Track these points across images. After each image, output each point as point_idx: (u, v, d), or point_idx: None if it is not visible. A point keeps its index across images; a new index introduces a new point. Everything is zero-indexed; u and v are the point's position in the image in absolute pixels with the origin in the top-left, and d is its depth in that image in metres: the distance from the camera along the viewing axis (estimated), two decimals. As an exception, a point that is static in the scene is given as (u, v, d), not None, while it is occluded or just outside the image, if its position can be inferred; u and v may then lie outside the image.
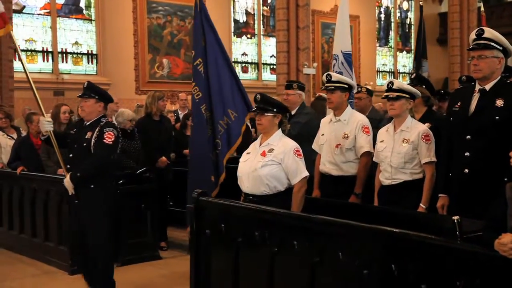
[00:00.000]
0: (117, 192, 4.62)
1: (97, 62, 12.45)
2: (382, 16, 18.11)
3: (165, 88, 11.36)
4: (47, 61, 11.83)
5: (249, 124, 5.98)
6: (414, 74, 5.66)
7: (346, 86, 4.45)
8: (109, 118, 6.24)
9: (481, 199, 3.11)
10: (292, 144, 3.77)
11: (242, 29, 14.96)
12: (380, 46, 18.03)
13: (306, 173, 3.74)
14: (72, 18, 12.19)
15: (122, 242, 5.40)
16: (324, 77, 4.61)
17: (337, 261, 2.82)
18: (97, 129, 4.24)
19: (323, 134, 4.54)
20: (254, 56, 15.19)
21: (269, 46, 15.23)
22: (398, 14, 18.50)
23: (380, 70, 18.04)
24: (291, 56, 12.31)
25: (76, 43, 12.23)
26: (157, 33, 12.97)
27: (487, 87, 3.35)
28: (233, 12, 14.70)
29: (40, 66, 11.69)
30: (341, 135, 4.38)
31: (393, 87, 3.88)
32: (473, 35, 3.37)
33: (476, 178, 3.30)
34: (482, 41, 3.30)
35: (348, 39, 5.42)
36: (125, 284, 4.83)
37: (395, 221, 2.96)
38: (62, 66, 12.03)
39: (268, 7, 15.38)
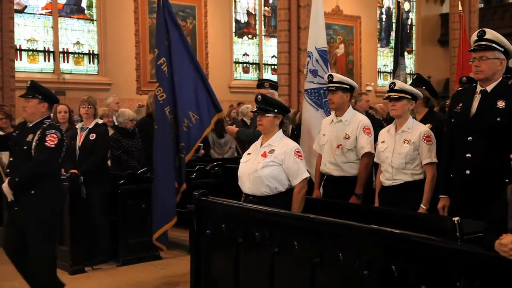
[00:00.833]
0: (62, 196, 4.32)
1: (98, 62, 12.47)
2: (383, 16, 18.11)
3: (166, 88, 11.37)
4: (49, 61, 11.84)
5: (226, 122, 5.86)
6: (416, 75, 5.61)
7: (348, 86, 4.45)
8: (110, 118, 6.29)
9: (482, 200, 3.10)
10: (293, 145, 3.77)
11: (244, 30, 14.96)
12: (381, 46, 18.03)
13: (307, 174, 3.74)
14: (73, 18, 12.20)
15: (122, 242, 5.41)
16: (325, 78, 4.61)
17: (338, 262, 2.82)
18: (39, 131, 3.92)
19: (324, 135, 4.53)
20: (255, 56, 15.19)
21: (270, 47, 15.24)
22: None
23: (381, 70, 18.03)
24: (292, 57, 12.32)
25: (78, 43, 12.25)
26: (159, 33, 12.96)
27: (489, 88, 3.35)
28: (235, 12, 14.70)
29: (41, 66, 11.71)
30: (342, 135, 4.38)
31: (395, 88, 3.88)
32: (474, 36, 3.37)
33: (477, 179, 3.30)
34: (483, 43, 3.30)
35: (323, 35, 5.17)
36: (125, 284, 4.83)
37: (396, 222, 2.96)
38: (64, 66, 12.05)
39: (270, 7, 15.38)
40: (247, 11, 15.05)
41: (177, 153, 5.05)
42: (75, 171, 5.27)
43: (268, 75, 15.27)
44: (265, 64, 15.33)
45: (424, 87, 4.52)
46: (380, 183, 4.02)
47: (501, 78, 3.36)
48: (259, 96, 3.84)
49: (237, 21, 14.81)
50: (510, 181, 2.97)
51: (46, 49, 11.82)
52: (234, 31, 14.68)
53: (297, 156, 3.71)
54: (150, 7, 12.74)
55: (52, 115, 5.81)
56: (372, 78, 17.07)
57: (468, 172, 3.34)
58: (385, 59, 18.06)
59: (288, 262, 3.13)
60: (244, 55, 14.98)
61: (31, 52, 11.61)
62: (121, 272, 5.19)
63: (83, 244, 5.27)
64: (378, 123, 7.02)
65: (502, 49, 3.30)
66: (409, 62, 18.65)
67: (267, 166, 3.69)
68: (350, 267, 2.76)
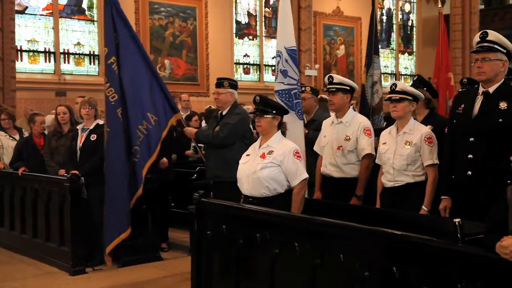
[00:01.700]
0: None
1: (99, 63, 12.45)
2: (384, 18, 18.10)
3: (167, 89, 11.38)
4: (49, 61, 11.83)
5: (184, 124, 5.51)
6: (416, 76, 5.59)
7: (348, 88, 4.45)
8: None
9: (484, 201, 3.10)
10: (292, 146, 3.77)
11: (244, 31, 14.95)
12: (382, 48, 18.01)
13: (306, 175, 3.74)
14: (74, 19, 12.18)
15: (123, 243, 5.40)
16: (326, 79, 4.60)
17: (338, 263, 2.82)
18: None
19: (325, 136, 4.53)
20: (256, 57, 15.18)
21: (271, 48, 15.22)
22: (400, 16, 18.50)
23: (382, 72, 18.03)
24: (293, 58, 12.31)
25: (78, 44, 12.23)
26: (159, 34, 12.97)
27: (491, 89, 3.35)
28: (235, 13, 14.70)
29: (42, 66, 11.69)
30: (343, 137, 4.38)
31: (396, 89, 3.88)
32: (477, 38, 3.37)
33: (479, 181, 3.30)
34: (486, 44, 3.30)
35: (291, 34, 4.97)
36: (126, 285, 4.83)
37: (397, 223, 2.97)
38: (64, 67, 12.03)
39: (270, 8, 15.38)
40: (248, 12, 15.04)
41: (129, 157, 4.84)
42: (76, 172, 5.27)
43: (269, 76, 15.26)
44: (265, 65, 15.32)
45: (425, 88, 4.52)
46: (381, 184, 4.02)
47: (503, 79, 3.36)
48: (257, 98, 3.84)
49: (237, 22, 14.80)
50: (511, 182, 2.98)
51: (47, 50, 11.80)
52: (234, 32, 14.67)
53: (296, 157, 3.71)
54: (151, 8, 12.74)
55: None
56: (373, 79, 17.03)
57: (470, 173, 3.34)
58: (385, 60, 18.04)
59: (288, 263, 3.13)
60: (244, 56, 14.96)
61: (32, 53, 11.60)
62: (122, 273, 5.18)
63: (84, 245, 5.27)
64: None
65: (505, 51, 3.30)
66: (410, 63, 18.64)
67: (266, 167, 3.68)
68: (351, 268, 2.75)
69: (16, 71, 9.89)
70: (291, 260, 3.11)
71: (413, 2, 18.74)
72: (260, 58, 15.28)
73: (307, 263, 2.97)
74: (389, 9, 18.26)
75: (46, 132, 6.41)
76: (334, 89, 4.40)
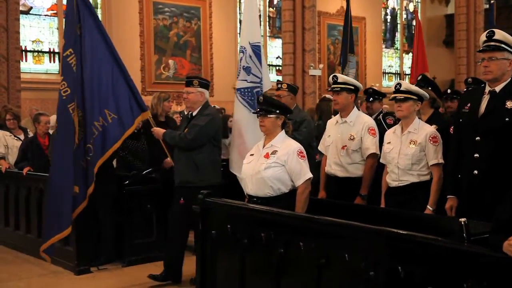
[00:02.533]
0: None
1: (103, 63, 12.49)
2: (388, 17, 18.07)
3: (171, 89, 11.36)
4: (54, 62, 11.86)
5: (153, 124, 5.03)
6: (421, 76, 5.57)
7: (353, 87, 4.44)
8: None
9: (490, 200, 3.09)
10: (296, 146, 3.76)
11: (248, 31, 14.96)
12: (386, 47, 17.98)
13: (310, 175, 3.74)
14: (78, 19, 12.23)
15: (128, 243, 5.41)
16: (330, 79, 4.60)
17: (343, 263, 2.81)
18: None
19: (329, 136, 4.53)
20: (260, 57, 15.19)
21: (275, 48, 15.22)
22: (404, 16, 18.46)
23: (386, 71, 17.99)
24: (297, 58, 12.32)
25: (83, 44, 12.28)
26: (163, 34, 12.98)
27: (497, 88, 3.34)
28: (239, 13, 14.70)
29: (47, 67, 11.72)
30: (347, 136, 4.37)
31: (401, 89, 3.87)
32: (483, 37, 3.36)
33: (485, 180, 3.29)
34: (492, 43, 3.29)
35: (256, 29, 4.77)
36: (131, 284, 4.84)
37: (402, 223, 2.95)
38: (69, 67, 12.07)
39: (274, 8, 15.38)
40: (252, 12, 15.06)
41: (83, 154, 4.66)
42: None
43: (273, 76, 15.26)
44: (270, 65, 15.32)
45: (429, 88, 4.51)
46: (386, 184, 4.01)
47: (510, 78, 3.35)
48: (260, 97, 3.84)
49: (241, 22, 14.82)
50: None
51: (51, 50, 11.84)
52: (239, 32, 14.68)
53: (300, 156, 3.71)
54: (155, 8, 12.75)
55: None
56: (377, 79, 17.02)
57: (476, 172, 3.33)
58: (390, 60, 18.01)
59: (293, 263, 3.13)
60: (248, 56, 14.97)
61: (37, 53, 11.64)
62: (126, 272, 5.19)
63: (88, 245, 5.28)
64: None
65: (511, 50, 3.28)
66: (414, 63, 18.59)
67: (270, 167, 3.68)
68: (356, 268, 2.75)
69: (21, 71, 9.90)
70: (296, 260, 3.11)
71: (418, 2, 18.70)
72: (264, 58, 15.28)
73: (312, 262, 2.97)
74: (393, 8, 18.23)
75: (50, 132, 6.43)
76: (339, 88, 4.40)
